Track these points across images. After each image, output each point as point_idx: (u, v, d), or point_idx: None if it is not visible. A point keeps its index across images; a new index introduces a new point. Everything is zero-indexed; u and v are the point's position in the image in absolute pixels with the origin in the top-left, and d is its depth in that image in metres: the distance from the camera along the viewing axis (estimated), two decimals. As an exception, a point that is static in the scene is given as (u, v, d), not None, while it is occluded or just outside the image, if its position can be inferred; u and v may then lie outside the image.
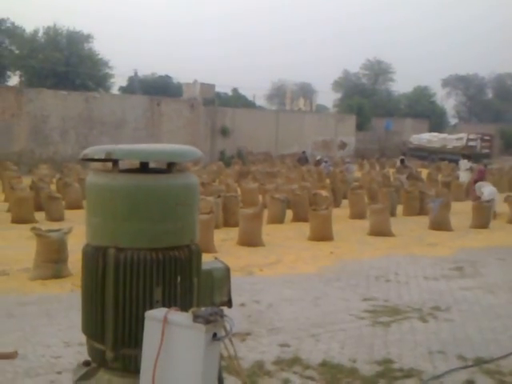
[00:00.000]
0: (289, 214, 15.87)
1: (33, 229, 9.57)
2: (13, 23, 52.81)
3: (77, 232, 10.40)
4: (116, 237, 3.21)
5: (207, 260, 3.66)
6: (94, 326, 3.32)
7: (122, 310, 3.18)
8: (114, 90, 57.07)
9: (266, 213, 14.37)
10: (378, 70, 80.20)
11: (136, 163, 3.40)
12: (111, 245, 3.21)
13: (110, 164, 3.36)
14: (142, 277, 3.17)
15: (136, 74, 58.81)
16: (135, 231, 3.20)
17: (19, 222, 14.25)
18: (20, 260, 10.08)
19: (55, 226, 11.84)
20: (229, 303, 3.67)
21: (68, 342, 6.34)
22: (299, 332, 6.94)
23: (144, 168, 3.46)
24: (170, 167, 3.34)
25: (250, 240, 12.21)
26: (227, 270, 3.65)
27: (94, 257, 3.30)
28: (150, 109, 36.60)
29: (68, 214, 15.74)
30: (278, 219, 15.27)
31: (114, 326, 3.20)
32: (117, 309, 3.19)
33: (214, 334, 2.71)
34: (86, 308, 3.40)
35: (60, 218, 15.05)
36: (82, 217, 13.57)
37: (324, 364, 5.95)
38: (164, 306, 3.09)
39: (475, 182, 19.59)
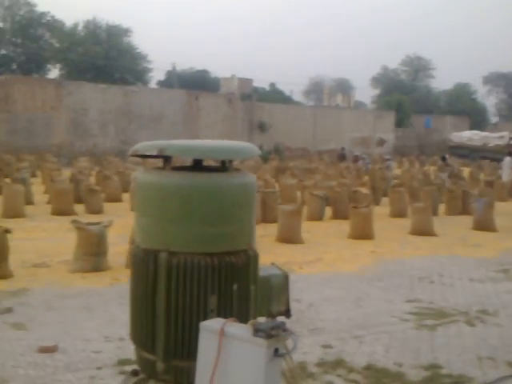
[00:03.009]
0: (328, 211, 15.65)
1: (73, 222, 9.57)
2: (53, 17, 53.46)
3: (116, 225, 10.42)
4: (168, 240, 2.99)
5: (263, 266, 3.44)
6: (143, 335, 3.12)
7: (175, 318, 2.98)
8: (152, 84, 57.43)
9: (304, 209, 14.18)
10: (418, 66, 79.10)
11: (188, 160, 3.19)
12: (163, 248, 3.00)
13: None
14: (196, 284, 2.96)
15: (174, 68, 58.98)
16: (189, 234, 2.98)
17: (59, 214, 14.35)
18: (60, 252, 10.10)
19: (94, 218, 11.89)
20: (287, 313, 3.43)
21: (108, 336, 6.28)
22: (342, 333, 6.76)
23: (198, 166, 3.24)
24: (226, 165, 3.13)
25: (289, 237, 12.05)
26: (285, 277, 3.40)
27: (145, 261, 3.08)
28: (188, 103, 36.70)
29: (107, 206, 15.82)
30: (317, 216, 15.07)
31: (165, 336, 3.00)
32: (169, 317, 2.99)
33: (276, 350, 2.52)
34: (135, 315, 3.20)
35: (99, 211, 15.11)
36: (120, 210, 13.73)
37: (368, 367, 5.76)
38: (219, 315, 2.90)
39: None
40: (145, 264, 3.07)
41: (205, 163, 3.34)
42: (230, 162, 3.15)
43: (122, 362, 5.50)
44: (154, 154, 3.09)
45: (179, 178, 3.04)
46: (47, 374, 5.29)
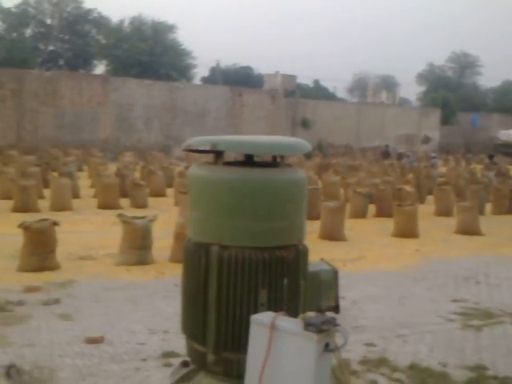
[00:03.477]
0: (371, 208, 15.54)
1: (119, 215, 9.72)
2: (99, 13, 54.39)
3: (160, 220, 10.53)
4: (219, 233, 3.03)
5: (313, 261, 3.45)
6: (194, 327, 3.16)
7: (225, 311, 3.02)
8: (197, 81, 57.80)
9: (347, 207, 14.10)
10: (465, 63, 77.66)
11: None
12: (214, 242, 3.03)
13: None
14: (247, 277, 2.99)
15: (218, 64, 59.21)
16: (240, 228, 3.01)
17: (105, 208, 14.61)
18: (105, 245, 10.27)
19: (139, 212, 12.03)
20: (336, 309, 3.44)
21: (152, 329, 6.36)
22: (385, 331, 6.71)
23: (249, 161, 3.27)
24: (277, 161, 3.15)
25: (332, 234, 12.00)
26: (335, 272, 3.42)
27: (196, 254, 3.12)
28: (232, 99, 36.84)
29: (151, 201, 16.01)
30: (361, 214, 14.97)
31: (216, 328, 3.04)
32: (219, 310, 3.02)
33: (326, 345, 2.52)
34: (187, 307, 3.25)
35: (144, 205, 15.31)
36: (164, 205, 13.86)
37: (412, 367, 5.71)
38: (269, 309, 2.91)
39: None
40: (196, 257, 3.11)
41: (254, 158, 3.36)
42: (282, 157, 3.16)
43: (167, 355, 5.57)
44: (207, 148, 3.12)
45: (231, 173, 3.08)
46: (93, 364, 5.39)
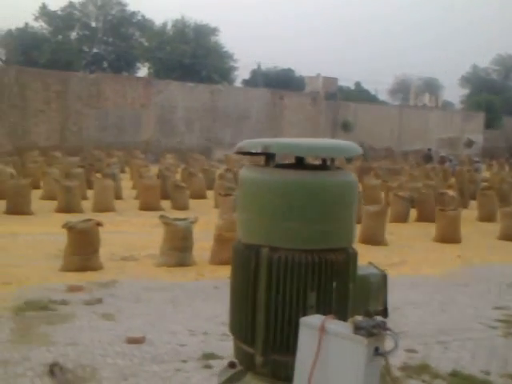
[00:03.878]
0: (412, 212, 15.37)
1: (161, 217, 9.81)
2: (143, 16, 54.99)
3: (200, 222, 10.59)
4: (270, 235, 3.04)
5: (361, 265, 3.44)
6: (243, 328, 3.18)
7: (274, 313, 3.03)
8: (238, 83, 58.00)
9: (388, 211, 13.98)
10: (510, 65, 76.17)
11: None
12: (264, 244, 3.05)
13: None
14: (296, 280, 2.99)
15: (259, 67, 59.36)
16: (290, 230, 3.02)
17: (146, 209, 14.77)
18: (146, 246, 10.38)
19: (180, 214, 12.13)
20: (384, 313, 3.42)
21: (193, 330, 6.40)
22: (426, 338, 6.63)
23: (300, 164, 3.28)
24: (327, 164, 3.15)
25: (373, 238, 11.90)
26: (384, 276, 3.40)
27: (246, 255, 3.14)
28: (272, 102, 36.87)
29: (192, 203, 16.12)
30: (402, 218, 14.83)
31: (265, 330, 3.05)
32: (268, 311, 3.03)
33: (376, 349, 2.51)
34: (235, 308, 3.27)
35: (185, 207, 15.43)
36: (205, 207, 13.88)
37: (454, 374, 5.62)
38: (318, 312, 2.91)
39: None
40: (246, 258, 3.14)
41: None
42: (332, 160, 3.17)
43: (207, 356, 5.60)
44: (259, 151, 3.14)
45: (282, 176, 3.08)
46: (134, 364, 5.44)
